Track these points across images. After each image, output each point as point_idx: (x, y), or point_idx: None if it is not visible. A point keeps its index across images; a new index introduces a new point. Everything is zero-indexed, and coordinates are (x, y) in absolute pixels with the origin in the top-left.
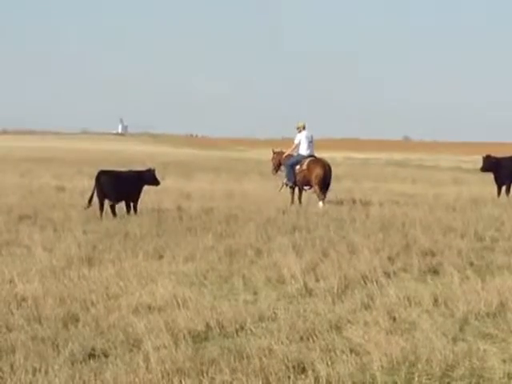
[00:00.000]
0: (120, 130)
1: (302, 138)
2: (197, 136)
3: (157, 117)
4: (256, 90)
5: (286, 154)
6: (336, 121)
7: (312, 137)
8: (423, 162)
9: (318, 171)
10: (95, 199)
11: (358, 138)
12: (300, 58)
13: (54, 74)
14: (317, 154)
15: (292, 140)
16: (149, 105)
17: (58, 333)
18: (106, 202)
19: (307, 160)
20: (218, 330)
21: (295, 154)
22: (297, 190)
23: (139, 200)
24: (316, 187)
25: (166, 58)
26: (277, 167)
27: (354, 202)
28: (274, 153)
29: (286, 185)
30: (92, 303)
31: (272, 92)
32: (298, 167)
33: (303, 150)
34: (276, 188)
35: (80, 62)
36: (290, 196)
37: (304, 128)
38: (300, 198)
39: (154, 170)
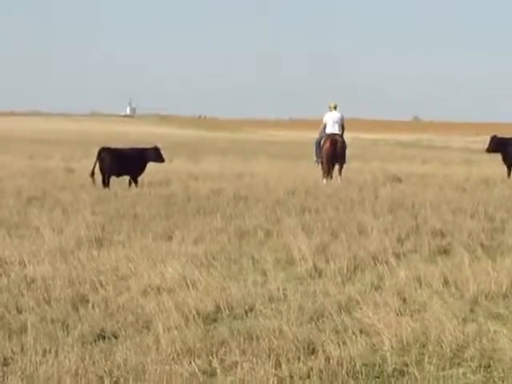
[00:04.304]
0: (128, 112)
1: (327, 118)
2: (205, 117)
3: (165, 98)
4: (265, 69)
5: (319, 133)
6: (345, 101)
7: (340, 118)
8: (433, 142)
9: (326, 146)
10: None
11: (367, 118)
12: (306, 37)
13: (63, 56)
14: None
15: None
16: (157, 87)
17: (67, 314)
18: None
19: (325, 138)
20: (228, 311)
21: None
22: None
23: (140, 175)
24: (324, 162)
25: (174, 40)
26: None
27: (363, 182)
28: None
29: (317, 162)
30: (101, 284)
31: (281, 72)
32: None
33: (328, 129)
34: (284, 169)
35: (89, 45)
36: (313, 173)
37: (335, 108)
38: (330, 174)
39: (159, 148)
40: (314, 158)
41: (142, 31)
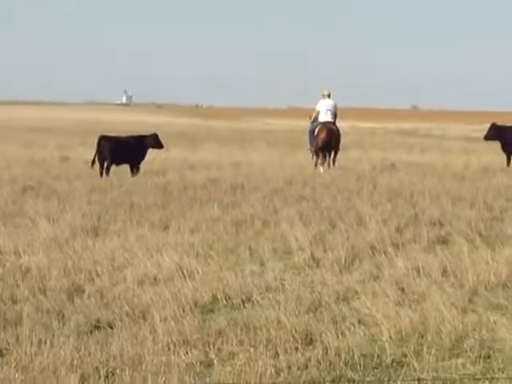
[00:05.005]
0: (124, 100)
1: (321, 106)
2: (202, 106)
3: (162, 87)
4: (263, 57)
5: (311, 121)
6: (341, 89)
7: (334, 106)
8: (432, 131)
9: (321, 135)
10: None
11: (365, 106)
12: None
13: (58, 44)
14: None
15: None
16: (154, 75)
17: (63, 304)
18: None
19: (319, 126)
20: (225, 302)
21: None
22: (321, 155)
23: (141, 162)
24: (318, 150)
25: (174, 28)
26: None
27: (361, 171)
28: (311, 118)
29: (310, 150)
30: (97, 274)
31: (277, 60)
32: (315, 133)
33: (321, 117)
34: (282, 158)
35: (84, 32)
36: (311, 162)
37: (329, 96)
38: (323, 163)
39: (157, 135)
40: (308, 146)
41: (137, 18)
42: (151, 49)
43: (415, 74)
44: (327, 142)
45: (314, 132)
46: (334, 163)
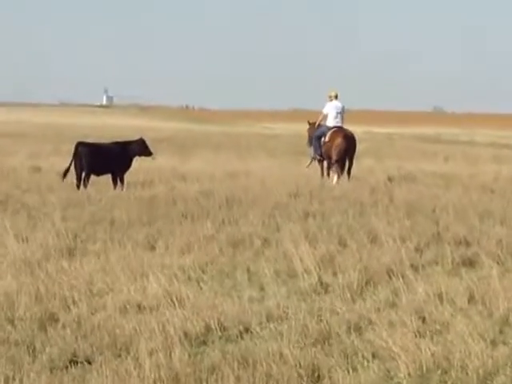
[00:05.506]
0: (104, 102)
1: (330, 109)
2: (193, 108)
3: (147, 86)
4: (261, 55)
5: (316, 126)
6: (354, 89)
7: (343, 108)
8: (457, 136)
9: (338, 141)
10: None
11: (381, 109)
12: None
13: (29, 40)
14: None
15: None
16: (137, 73)
17: (34, 335)
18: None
19: (330, 131)
20: (220, 333)
21: (323, 125)
22: (325, 163)
23: (126, 172)
24: (335, 158)
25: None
26: (312, 139)
27: (376, 183)
28: (310, 123)
29: (314, 158)
30: (73, 301)
31: (280, 57)
32: (322, 139)
33: (330, 121)
34: (285, 167)
35: (57, 26)
36: (318, 172)
37: (336, 97)
38: (329, 172)
39: (144, 141)
40: (311, 154)
41: (117, 9)
42: (134, 44)
43: (436, 71)
44: (345, 148)
45: (320, 138)
46: (348, 174)
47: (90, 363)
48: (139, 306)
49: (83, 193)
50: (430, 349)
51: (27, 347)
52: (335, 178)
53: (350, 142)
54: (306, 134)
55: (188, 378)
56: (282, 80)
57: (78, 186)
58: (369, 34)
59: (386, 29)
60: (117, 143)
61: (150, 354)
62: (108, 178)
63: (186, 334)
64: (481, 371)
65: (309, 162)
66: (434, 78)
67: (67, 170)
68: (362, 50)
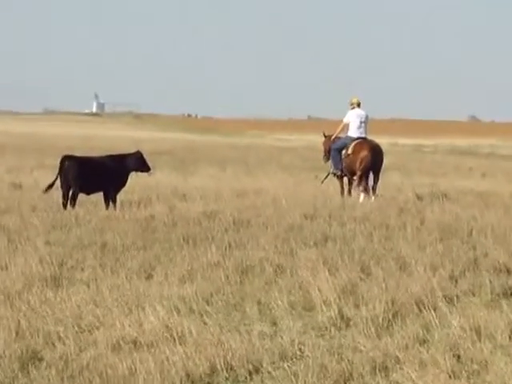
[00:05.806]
0: (95, 109)
1: (352, 117)
2: (196, 116)
3: (142, 92)
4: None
5: (333, 137)
6: (379, 97)
7: (367, 116)
8: (495, 149)
9: (363, 154)
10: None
11: (409, 118)
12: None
13: (11, 42)
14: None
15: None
16: (131, 77)
17: (14, 377)
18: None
19: (354, 142)
20: (226, 373)
21: (343, 136)
22: (346, 179)
23: (121, 190)
24: (359, 173)
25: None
26: (328, 154)
27: (404, 202)
28: (326, 136)
29: (334, 174)
30: (59, 337)
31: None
32: (344, 152)
33: (352, 132)
34: (300, 184)
35: (43, 28)
36: (338, 189)
37: (359, 105)
38: (350, 190)
39: (142, 154)
40: (331, 169)
41: (109, 12)
42: (127, 44)
43: (472, 77)
44: (371, 162)
45: (341, 150)
46: (374, 192)
47: None
48: (134, 343)
49: (70, 213)
50: None
51: None
52: (362, 195)
53: (376, 155)
54: (322, 148)
55: None
56: (296, 86)
57: (65, 206)
58: (386, 36)
59: (400, 31)
60: (110, 156)
61: None
62: (98, 196)
63: (188, 375)
64: None
65: (324, 177)
66: (469, 84)
67: (51, 186)
68: (383, 50)
